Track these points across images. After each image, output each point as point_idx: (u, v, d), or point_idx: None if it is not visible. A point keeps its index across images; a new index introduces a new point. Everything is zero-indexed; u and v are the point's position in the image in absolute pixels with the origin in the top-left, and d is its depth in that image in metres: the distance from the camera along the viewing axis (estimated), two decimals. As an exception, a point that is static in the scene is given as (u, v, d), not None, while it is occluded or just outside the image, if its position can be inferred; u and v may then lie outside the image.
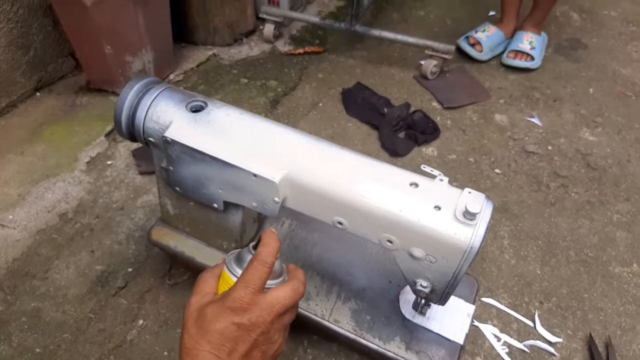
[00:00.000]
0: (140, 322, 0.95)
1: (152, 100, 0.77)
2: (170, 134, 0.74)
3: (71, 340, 0.92)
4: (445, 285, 0.72)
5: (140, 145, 1.29)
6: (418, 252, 0.68)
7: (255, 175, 0.71)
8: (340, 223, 0.72)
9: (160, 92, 0.78)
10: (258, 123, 0.76)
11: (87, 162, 1.26)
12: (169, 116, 0.76)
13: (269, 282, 0.57)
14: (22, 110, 1.43)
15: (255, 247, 0.60)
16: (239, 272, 0.58)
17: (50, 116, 1.41)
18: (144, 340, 0.93)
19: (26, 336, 0.93)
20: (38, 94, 1.49)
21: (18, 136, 1.34)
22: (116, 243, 1.08)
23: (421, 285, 0.74)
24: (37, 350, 0.91)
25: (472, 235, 0.64)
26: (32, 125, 1.38)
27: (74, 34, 1.36)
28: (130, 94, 0.78)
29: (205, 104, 0.78)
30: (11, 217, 1.12)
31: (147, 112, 0.77)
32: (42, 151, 1.29)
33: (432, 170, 0.71)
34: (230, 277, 0.59)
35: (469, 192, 0.67)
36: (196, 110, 0.77)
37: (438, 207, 0.66)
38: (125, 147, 1.31)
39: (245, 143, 0.73)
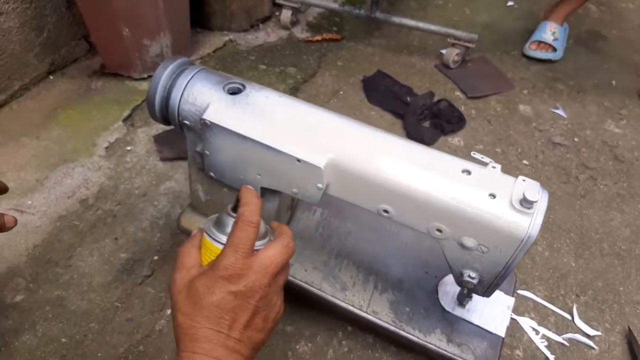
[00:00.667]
0: (169, 311, 0.93)
1: (188, 82, 0.74)
2: (209, 116, 0.71)
3: (98, 330, 0.90)
4: (494, 276, 0.70)
5: (162, 131, 1.27)
6: (469, 242, 0.66)
7: (298, 160, 0.68)
8: (386, 211, 0.69)
9: (196, 73, 0.75)
10: (299, 106, 0.73)
11: (106, 148, 1.23)
12: (206, 98, 0.73)
13: (256, 243, 0.53)
14: (35, 93, 1.39)
15: (234, 209, 0.56)
16: (223, 237, 0.54)
17: (65, 100, 1.37)
18: (172, 330, 0.90)
19: (51, 325, 0.90)
20: (51, 77, 1.45)
21: (32, 120, 1.30)
22: (140, 230, 1.05)
23: (469, 276, 0.71)
24: (63, 339, 0.88)
25: (530, 224, 0.62)
26: (46, 109, 1.34)
27: (90, 16, 1.32)
28: (164, 74, 0.75)
29: (243, 86, 0.75)
30: (30, 202, 1.09)
31: (182, 93, 0.74)
32: (58, 135, 1.26)
33: (482, 157, 0.68)
34: (214, 244, 0.55)
35: (523, 180, 0.65)
36: (234, 92, 0.74)
37: (493, 195, 0.63)
38: (145, 133, 1.28)
39: (287, 126, 0.71)
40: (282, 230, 0.57)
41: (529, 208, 0.62)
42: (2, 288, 0.95)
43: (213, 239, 0.55)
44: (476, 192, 0.63)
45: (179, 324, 0.49)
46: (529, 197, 0.60)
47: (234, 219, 0.54)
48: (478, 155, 0.70)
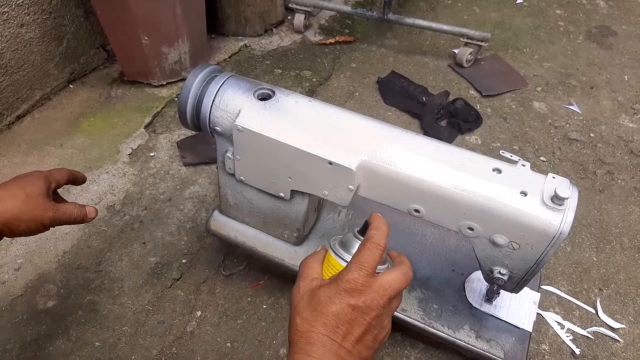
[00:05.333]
0: (199, 313, 0.95)
1: (219, 89, 0.76)
2: (241, 122, 0.73)
3: (131, 333, 0.92)
4: (524, 272, 0.72)
5: (184, 136, 1.29)
6: (501, 239, 0.67)
7: (330, 162, 0.69)
8: (417, 211, 0.71)
9: (226, 80, 0.77)
10: (329, 110, 0.75)
11: (129, 154, 1.25)
12: (237, 104, 0.75)
13: (378, 268, 0.56)
14: (57, 102, 1.42)
15: (360, 232, 0.59)
16: (347, 256, 0.57)
17: (87, 108, 1.39)
18: (204, 332, 0.92)
19: (84, 330, 0.92)
20: (71, 86, 1.47)
21: (55, 128, 1.33)
22: (167, 234, 1.07)
23: (499, 273, 0.73)
24: (97, 343, 0.90)
25: (561, 220, 0.63)
26: (68, 118, 1.36)
27: (110, 25, 1.34)
28: (195, 82, 0.76)
29: (273, 92, 0.77)
30: (58, 210, 1.11)
31: (213, 100, 0.76)
32: (82, 143, 1.28)
33: (511, 156, 0.70)
34: (338, 261, 0.58)
35: (553, 177, 0.66)
36: (264, 98, 0.76)
37: (524, 193, 0.65)
38: (167, 139, 1.30)
39: (318, 130, 0.72)
40: (402, 260, 0.60)
41: (560, 205, 0.63)
42: (34, 294, 0.97)
43: (338, 256, 0.58)
44: (507, 190, 0.65)
45: (296, 326, 0.52)
46: (561, 194, 0.62)
47: (359, 242, 0.57)
48: (507, 154, 0.71)
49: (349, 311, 0.51)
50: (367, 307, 0.52)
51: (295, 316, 0.52)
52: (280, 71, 1.57)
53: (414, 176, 0.68)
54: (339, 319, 0.51)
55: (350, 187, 0.71)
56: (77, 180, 0.78)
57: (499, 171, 0.67)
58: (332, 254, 0.59)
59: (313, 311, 0.52)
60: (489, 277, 0.75)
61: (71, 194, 1.14)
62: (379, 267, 0.56)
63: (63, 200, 0.75)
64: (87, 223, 1.08)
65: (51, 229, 1.05)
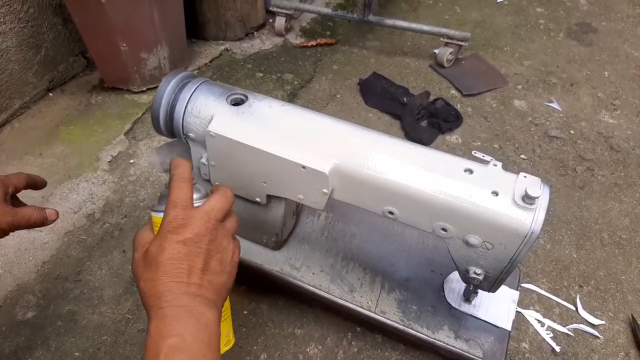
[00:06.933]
0: (180, 321, 0.94)
1: (191, 95, 0.76)
2: (214, 128, 0.72)
3: (111, 342, 0.91)
4: (499, 272, 0.72)
5: (164, 142, 1.28)
6: (474, 239, 0.67)
7: (304, 167, 0.69)
8: (391, 213, 0.71)
9: (198, 86, 0.77)
10: (302, 114, 0.75)
11: (109, 162, 1.24)
12: (209, 110, 0.74)
13: (197, 203, 0.56)
14: (36, 111, 1.41)
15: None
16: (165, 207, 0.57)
17: (66, 116, 1.38)
18: (185, 339, 0.91)
19: (63, 340, 0.91)
20: (50, 94, 1.46)
21: (35, 137, 1.31)
22: (148, 242, 1.06)
23: (475, 273, 0.73)
24: (76, 354, 0.90)
25: (533, 219, 0.63)
26: (48, 126, 1.35)
27: (87, 32, 1.33)
28: (167, 88, 0.76)
29: (246, 96, 0.76)
30: (37, 219, 1.10)
31: (186, 106, 0.75)
32: (62, 152, 1.27)
33: (483, 156, 0.70)
34: (159, 215, 0.56)
35: (525, 177, 0.67)
36: (237, 103, 0.76)
37: (495, 193, 0.65)
38: (147, 146, 1.29)
39: (291, 134, 0.72)
40: (218, 186, 0.61)
41: (531, 204, 0.63)
42: (13, 306, 0.96)
43: (157, 211, 0.58)
44: (479, 190, 0.65)
45: (142, 290, 0.50)
46: (531, 193, 0.62)
47: None
48: (479, 154, 0.71)
49: (181, 248, 0.51)
50: (196, 235, 0.52)
51: (139, 282, 0.51)
52: (261, 75, 1.56)
53: (386, 178, 0.67)
54: (175, 259, 0.50)
55: (325, 190, 0.71)
56: (36, 184, 0.77)
57: (471, 172, 0.67)
58: (152, 213, 0.59)
59: (150, 266, 0.51)
60: (465, 277, 0.76)
61: (50, 202, 1.14)
62: (200, 201, 0.57)
63: (22, 205, 0.74)
64: (67, 232, 1.08)
65: (31, 239, 1.06)
